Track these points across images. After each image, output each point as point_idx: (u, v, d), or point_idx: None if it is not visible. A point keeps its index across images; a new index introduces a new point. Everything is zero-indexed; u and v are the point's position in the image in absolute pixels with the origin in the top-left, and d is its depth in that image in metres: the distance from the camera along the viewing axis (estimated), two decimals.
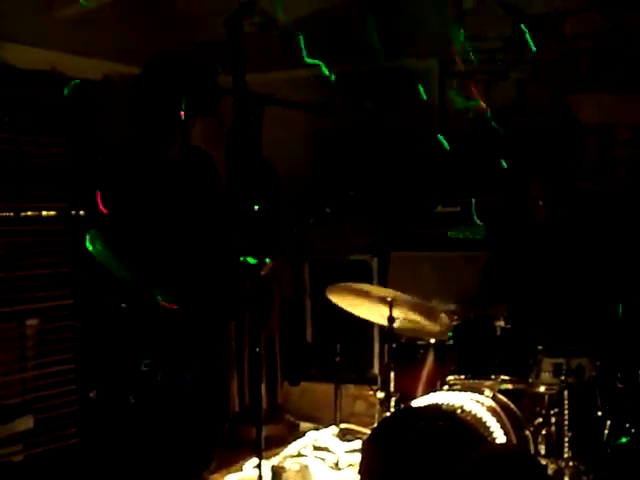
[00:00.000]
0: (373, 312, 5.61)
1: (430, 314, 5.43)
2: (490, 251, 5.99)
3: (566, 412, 4.90)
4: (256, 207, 4.09)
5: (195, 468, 4.50)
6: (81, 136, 6.45)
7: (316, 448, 6.30)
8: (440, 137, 6.35)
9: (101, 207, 4.20)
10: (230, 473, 5.99)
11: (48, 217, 6.39)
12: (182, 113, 4.27)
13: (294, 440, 6.47)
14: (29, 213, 6.26)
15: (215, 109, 4.41)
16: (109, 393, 4.50)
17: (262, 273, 4.18)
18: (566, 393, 4.90)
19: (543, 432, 5.00)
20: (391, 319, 5.37)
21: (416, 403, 5.07)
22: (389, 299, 5.35)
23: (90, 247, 4.24)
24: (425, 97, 6.49)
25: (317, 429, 6.67)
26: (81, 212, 6.42)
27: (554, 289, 5.47)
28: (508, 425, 4.91)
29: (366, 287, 5.57)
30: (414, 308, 5.38)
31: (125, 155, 4.34)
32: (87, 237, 4.24)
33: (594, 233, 5.68)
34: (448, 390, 5.19)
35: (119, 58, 6.54)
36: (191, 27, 7.19)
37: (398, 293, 5.35)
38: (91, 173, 4.46)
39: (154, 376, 4.24)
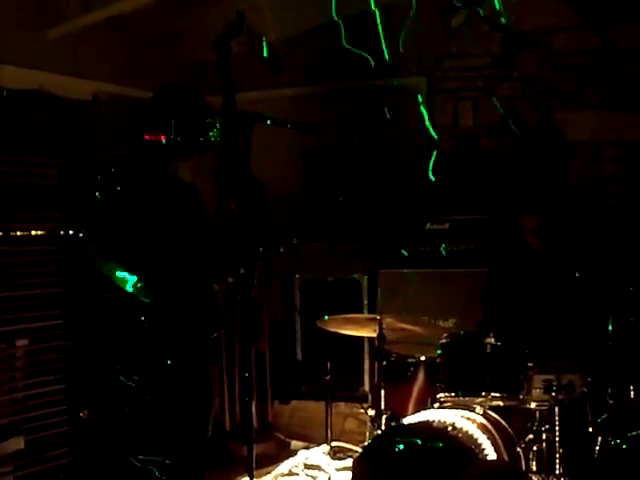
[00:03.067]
0: (364, 330, 5.62)
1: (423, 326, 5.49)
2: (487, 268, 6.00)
3: (557, 428, 4.90)
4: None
5: None
6: (70, 156, 6.44)
7: (307, 466, 6.30)
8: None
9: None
10: None
11: (38, 237, 6.38)
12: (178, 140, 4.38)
13: (285, 459, 6.47)
14: (19, 233, 6.25)
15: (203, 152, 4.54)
16: (100, 413, 4.51)
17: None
18: (557, 409, 4.90)
19: (534, 448, 4.99)
20: (381, 337, 5.37)
21: (407, 421, 5.08)
22: (378, 317, 5.37)
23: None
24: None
25: (308, 447, 6.67)
26: (70, 232, 6.42)
27: (544, 305, 5.48)
28: (499, 442, 4.92)
29: (355, 316, 5.61)
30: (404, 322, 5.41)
31: (121, 175, 4.41)
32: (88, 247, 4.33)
33: (584, 250, 5.69)
34: (439, 407, 5.19)
35: (108, 78, 6.56)
36: (180, 47, 7.20)
37: (388, 319, 5.38)
38: (84, 190, 4.55)
39: (142, 394, 4.28)
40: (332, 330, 5.65)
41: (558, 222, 5.63)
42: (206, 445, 4.62)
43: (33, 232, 6.36)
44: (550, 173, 6.56)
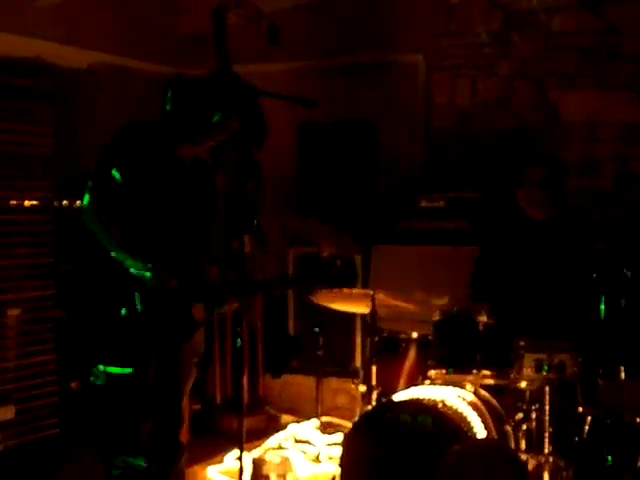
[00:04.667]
0: (357, 305, 5.62)
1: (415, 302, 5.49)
2: (480, 245, 5.98)
3: (547, 408, 4.90)
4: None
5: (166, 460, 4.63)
6: (65, 125, 6.42)
7: (297, 441, 6.29)
8: None
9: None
10: (211, 465, 5.98)
11: (31, 207, 6.36)
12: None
13: (275, 432, 6.46)
14: (12, 202, 6.23)
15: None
16: (90, 384, 4.54)
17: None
18: (547, 389, 4.90)
19: (524, 427, 4.99)
20: (373, 313, 5.37)
21: (397, 397, 5.08)
22: (371, 294, 5.37)
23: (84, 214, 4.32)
24: None
25: (298, 422, 6.66)
26: (64, 202, 6.41)
27: (538, 285, 5.47)
28: (489, 420, 4.92)
29: (347, 290, 5.59)
30: (397, 298, 5.41)
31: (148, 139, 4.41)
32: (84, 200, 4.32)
33: (579, 231, 5.67)
34: (430, 384, 5.20)
35: (104, 47, 6.53)
36: (176, 18, 7.18)
37: (381, 295, 5.38)
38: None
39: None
40: (324, 305, 5.64)
41: (562, 181, 5.58)
42: (179, 414, 4.72)
43: (27, 202, 6.34)
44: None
